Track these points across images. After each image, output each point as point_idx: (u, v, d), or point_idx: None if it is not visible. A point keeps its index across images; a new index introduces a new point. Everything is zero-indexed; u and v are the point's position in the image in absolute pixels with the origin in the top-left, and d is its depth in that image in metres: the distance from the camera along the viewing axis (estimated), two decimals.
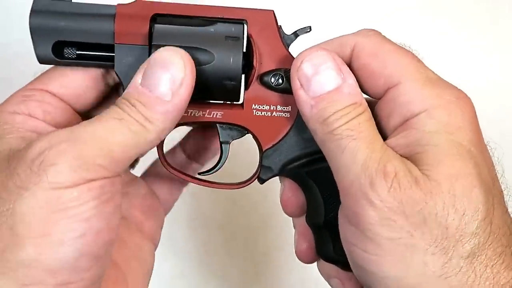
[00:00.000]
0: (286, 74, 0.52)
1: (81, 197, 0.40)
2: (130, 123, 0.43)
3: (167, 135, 0.47)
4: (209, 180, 0.56)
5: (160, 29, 0.50)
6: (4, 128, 0.45)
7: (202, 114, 0.53)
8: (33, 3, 0.50)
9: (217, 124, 0.54)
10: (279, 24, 0.53)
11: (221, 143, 0.55)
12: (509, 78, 0.84)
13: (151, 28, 0.51)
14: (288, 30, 0.54)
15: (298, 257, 0.54)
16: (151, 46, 0.50)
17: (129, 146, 0.43)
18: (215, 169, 0.55)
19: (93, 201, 0.40)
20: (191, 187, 0.61)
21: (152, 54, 0.46)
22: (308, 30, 0.54)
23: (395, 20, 0.86)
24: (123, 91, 0.50)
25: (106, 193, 0.41)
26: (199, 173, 0.56)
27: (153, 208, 0.61)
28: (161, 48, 0.46)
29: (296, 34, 0.54)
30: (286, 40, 0.53)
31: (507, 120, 0.78)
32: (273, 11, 0.53)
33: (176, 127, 0.53)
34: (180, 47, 0.49)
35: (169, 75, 0.45)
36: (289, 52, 0.53)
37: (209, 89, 0.51)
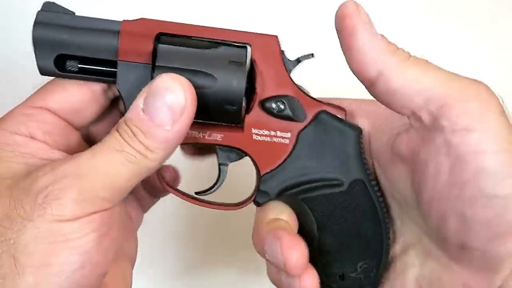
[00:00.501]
0: (288, 101, 0.52)
1: (82, 229, 0.41)
2: (131, 154, 0.44)
3: (167, 159, 0.47)
4: (205, 199, 0.56)
5: (164, 49, 0.50)
6: (7, 151, 0.45)
7: (202, 136, 0.53)
8: (37, 15, 0.50)
9: (217, 146, 0.54)
10: (282, 49, 0.53)
11: (219, 164, 0.55)
12: (510, 78, 0.84)
13: (155, 47, 0.50)
14: (290, 55, 0.54)
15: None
16: (154, 66, 0.50)
17: (131, 176, 0.44)
18: (212, 190, 0.55)
19: (93, 233, 0.42)
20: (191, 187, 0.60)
21: (154, 79, 0.46)
22: (311, 56, 0.54)
23: (396, 20, 0.85)
24: (124, 109, 0.51)
25: (105, 225, 0.42)
26: (196, 193, 0.56)
27: (129, 228, 0.61)
28: (163, 75, 0.46)
29: (298, 60, 0.54)
30: (288, 66, 0.53)
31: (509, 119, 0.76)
32: (277, 36, 0.53)
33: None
34: (184, 69, 0.49)
35: (170, 104, 0.45)
36: (291, 78, 0.53)
37: (210, 112, 0.51)
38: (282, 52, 0.53)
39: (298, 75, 0.55)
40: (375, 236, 0.54)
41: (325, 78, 0.69)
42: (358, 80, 0.49)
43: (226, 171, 0.55)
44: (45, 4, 0.51)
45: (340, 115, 0.54)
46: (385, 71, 0.46)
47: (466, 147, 0.44)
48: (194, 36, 0.52)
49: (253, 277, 0.87)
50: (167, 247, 0.86)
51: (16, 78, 0.74)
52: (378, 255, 0.54)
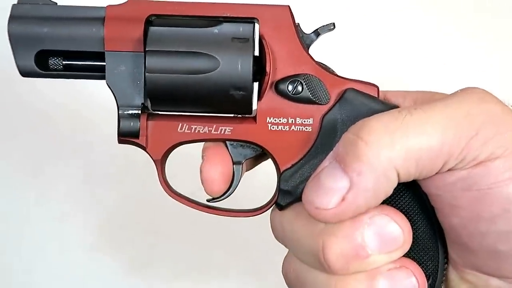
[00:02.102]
0: (306, 80, 0.44)
1: None
2: None
3: None
4: (218, 207, 0.48)
5: (155, 32, 0.44)
6: None
7: (208, 131, 0.46)
8: (12, 8, 0.45)
9: (227, 142, 0.46)
10: (296, 21, 0.46)
11: (232, 163, 0.47)
12: (510, 78, 0.84)
13: (146, 31, 0.44)
14: (307, 28, 0.46)
15: (207, 186, 0.47)
16: (145, 52, 0.43)
17: None
18: (226, 195, 0.48)
19: None
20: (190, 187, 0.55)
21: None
22: (332, 27, 0.46)
23: (396, 20, 0.84)
24: (117, 104, 0.45)
25: None
26: (208, 200, 0.49)
27: None
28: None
29: (317, 33, 0.46)
30: (305, 40, 0.46)
31: None
32: (288, 6, 0.45)
33: (177, 146, 0.46)
34: (178, 52, 0.43)
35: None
36: (309, 54, 0.46)
37: (214, 100, 0.44)
38: (296, 25, 0.46)
39: (318, 51, 0.47)
40: (430, 239, 0.45)
41: (350, 54, 0.64)
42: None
43: (241, 171, 0.47)
44: None
45: (371, 92, 0.45)
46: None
47: (489, 178, 0.39)
48: (192, 15, 0.45)
49: (253, 277, 0.84)
50: (167, 247, 0.84)
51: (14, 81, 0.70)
52: (434, 261, 0.44)
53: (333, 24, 0.46)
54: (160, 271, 0.83)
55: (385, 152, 0.39)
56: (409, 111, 0.40)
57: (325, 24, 0.46)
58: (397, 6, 0.85)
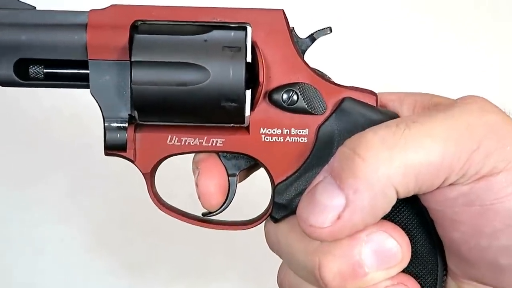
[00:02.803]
0: (301, 90, 0.42)
1: None
2: None
3: None
4: (211, 219, 0.47)
5: (141, 40, 0.41)
6: None
7: (199, 143, 0.44)
8: None
9: (219, 154, 0.45)
10: (291, 26, 0.43)
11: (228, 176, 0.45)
12: (510, 78, 0.82)
13: (131, 38, 0.41)
14: (302, 32, 0.44)
15: (204, 201, 0.46)
16: (131, 62, 0.41)
17: None
18: (222, 208, 0.46)
19: None
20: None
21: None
22: (328, 32, 0.44)
23: (393, 24, 0.83)
24: (103, 117, 0.43)
25: None
26: (204, 214, 0.47)
27: None
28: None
29: (313, 38, 0.44)
30: (300, 46, 0.44)
31: None
32: (282, 10, 0.43)
33: (166, 159, 0.44)
34: (166, 63, 0.41)
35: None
36: (304, 61, 0.43)
37: (205, 112, 0.42)
38: (291, 30, 0.43)
39: (313, 57, 0.45)
40: (429, 252, 0.43)
41: (347, 60, 0.62)
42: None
43: (236, 183, 0.45)
44: None
45: (369, 101, 0.43)
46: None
47: (491, 193, 0.38)
48: (180, 21, 0.43)
49: (253, 279, 0.84)
50: (167, 249, 0.83)
51: None
52: (433, 274, 0.43)
53: (330, 28, 0.44)
54: (159, 273, 0.83)
55: (383, 169, 0.37)
56: (407, 124, 0.38)
57: (321, 28, 0.44)
58: (395, 9, 0.84)
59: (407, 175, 0.37)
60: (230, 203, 0.46)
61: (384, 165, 0.37)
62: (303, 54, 0.44)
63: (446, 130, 0.38)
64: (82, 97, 0.76)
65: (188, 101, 0.41)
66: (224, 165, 0.45)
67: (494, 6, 0.86)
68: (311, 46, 0.44)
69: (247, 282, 0.84)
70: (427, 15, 0.84)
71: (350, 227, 0.38)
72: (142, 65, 0.41)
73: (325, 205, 0.38)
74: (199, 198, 0.45)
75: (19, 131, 0.81)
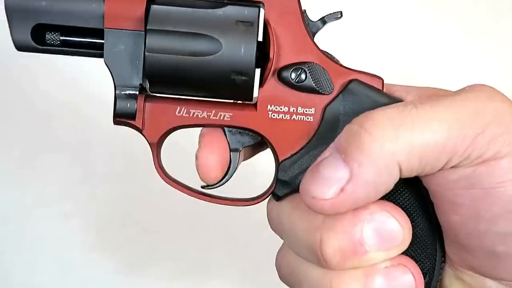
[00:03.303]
0: (310, 69, 0.43)
1: None
2: None
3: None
4: (214, 194, 0.47)
5: (157, 11, 0.42)
6: None
7: (207, 116, 0.44)
8: None
9: (225, 128, 0.45)
10: (303, 8, 0.44)
11: (230, 150, 0.46)
12: (510, 79, 0.82)
13: (147, 9, 0.43)
14: (313, 15, 0.45)
15: (202, 173, 0.46)
16: (146, 31, 0.42)
17: None
18: (221, 182, 0.46)
19: None
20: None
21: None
22: (339, 16, 0.45)
23: (395, 21, 0.84)
24: (114, 84, 0.44)
25: None
26: (202, 187, 0.47)
27: None
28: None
29: (323, 21, 0.45)
30: (311, 28, 0.45)
31: None
32: None
33: (175, 130, 0.45)
34: (180, 32, 0.42)
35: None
36: (314, 43, 0.44)
37: (215, 84, 0.43)
38: (302, 12, 0.44)
39: (324, 39, 0.46)
40: (429, 236, 0.44)
41: (357, 45, 0.63)
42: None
43: (238, 158, 0.46)
44: None
45: (376, 84, 0.44)
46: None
47: (493, 178, 0.38)
48: None
49: (253, 277, 0.84)
50: (167, 247, 0.83)
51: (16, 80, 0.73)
52: (431, 259, 0.44)
53: (340, 12, 0.45)
54: (160, 271, 0.83)
55: (388, 145, 0.38)
56: (415, 105, 0.39)
57: (332, 12, 0.45)
58: (398, 4, 0.84)
59: (412, 153, 0.38)
60: (230, 177, 0.46)
61: (390, 141, 0.38)
62: (314, 36, 0.45)
63: (453, 113, 0.38)
64: (82, 94, 0.78)
65: (199, 72, 0.42)
66: (228, 140, 0.46)
67: (494, 4, 0.86)
68: (321, 29, 0.45)
69: (247, 280, 0.83)
70: (429, 12, 0.85)
71: (352, 200, 0.39)
72: (156, 33, 0.42)
73: (329, 178, 0.39)
74: (197, 169, 0.45)
75: (19, 129, 0.81)
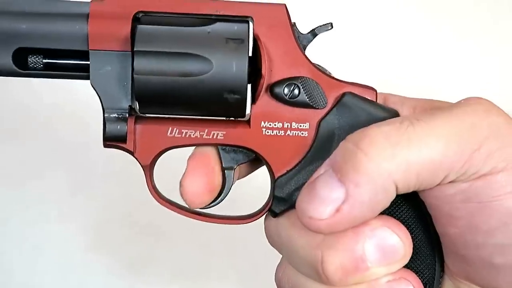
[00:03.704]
0: (303, 84, 0.43)
1: None
2: None
3: None
4: (210, 213, 0.47)
5: (144, 30, 0.41)
6: None
7: (199, 135, 0.43)
8: None
9: (219, 147, 0.44)
10: (292, 21, 0.44)
11: (223, 169, 0.45)
12: (510, 76, 0.83)
13: (133, 29, 0.41)
14: (303, 28, 0.44)
15: (188, 200, 0.45)
16: (133, 52, 0.41)
17: None
18: (216, 202, 0.46)
19: None
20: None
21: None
22: (330, 27, 0.44)
23: (393, 20, 0.84)
24: (102, 108, 0.43)
25: None
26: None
27: None
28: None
29: (314, 33, 0.44)
30: (301, 41, 0.44)
31: None
32: (284, 5, 0.43)
33: (167, 151, 0.44)
34: (170, 53, 0.41)
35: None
36: (306, 56, 0.44)
37: (207, 104, 0.42)
38: (292, 25, 0.44)
39: (314, 52, 0.45)
40: (427, 247, 0.44)
41: (348, 56, 0.62)
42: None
43: (233, 177, 0.45)
44: None
45: (369, 96, 0.44)
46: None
47: (490, 192, 0.38)
48: (183, 12, 0.43)
49: (253, 278, 0.83)
50: (166, 248, 0.83)
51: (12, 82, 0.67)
52: (431, 269, 0.44)
53: (331, 24, 0.44)
54: (159, 272, 0.82)
55: (385, 164, 0.37)
56: (411, 122, 0.39)
57: (323, 24, 0.44)
58: (394, 7, 0.84)
59: (409, 171, 0.38)
60: (225, 196, 0.45)
61: (387, 161, 0.37)
62: (304, 49, 0.44)
63: (449, 129, 0.38)
64: (82, 95, 0.76)
65: (190, 92, 0.41)
66: (221, 159, 0.45)
67: (494, 4, 0.86)
68: (312, 41, 0.45)
69: (247, 281, 0.83)
70: (427, 13, 0.85)
71: (348, 220, 0.39)
72: (144, 54, 0.40)
73: (325, 198, 0.38)
74: (182, 197, 0.45)
75: (19, 129, 0.80)
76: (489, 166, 0.38)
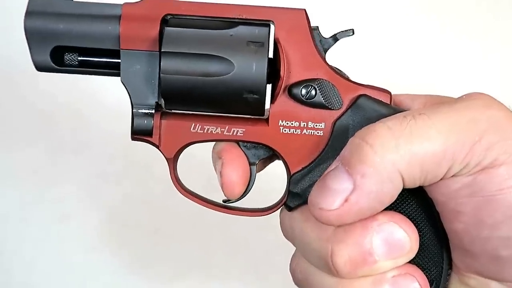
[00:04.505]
0: (319, 85, 0.45)
1: None
2: None
3: None
4: (231, 206, 0.49)
5: (171, 33, 0.44)
6: None
7: (221, 131, 0.46)
8: (28, 4, 0.45)
9: (240, 143, 0.47)
10: (315, 25, 0.46)
11: (250, 163, 0.48)
12: (510, 79, 0.83)
13: (161, 31, 0.44)
14: (326, 31, 0.46)
15: (228, 190, 0.47)
16: (161, 53, 0.44)
17: None
18: (243, 195, 0.48)
19: None
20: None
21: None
22: (351, 33, 0.46)
23: (395, 22, 0.84)
24: (131, 103, 0.46)
25: None
26: (224, 201, 0.49)
27: None
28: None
29: (335, 38, 0.46)
30: (323, 45, 0.46)
31: None
32: (304, 10, 0.45)
33: (190, 145, 0.47)
34: (193, 54, 0.43)
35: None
36: (324, 59, 0.46)
37: (228, 102, 0.44)
38: (312, 29, 0.46)
39: (335, 56, 0.47)
40: (435, 245, 0.45)
41: (367, 62, 0.63)
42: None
43: (255, 172, 0.48)
44: None
45: (383, 98, 0.45)
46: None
47: (493, 185, 0.39)
48: (208, 16, 0.45)
49: (255, 277, 0.84)
50: (168, 247, 0.84)
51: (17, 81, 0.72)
52: (438, 266, 0.45)
53: (352, 30, 0.46)
54: (161, 271, 0.83)
55: (389, 156, 0.39)
56: (414, 116, 0.40)
57: (344, 30, 0.46)
58: (399, 9, 0.85)
59: (412, 163, 0.39)
60: (250, 189, 0.48)
61: (391, 152, 0.39)
62: (325, 53, 0.46)
63: (450, 122, 0.40)
64: (84, 94, 0.78)
65: (212, 91, 0.43)
66: (246, 154, 0.47)
67: (495, 4, 0.87)
68: (332, 46, 0.46)
69: (248, 279, 0.84)
70: (431, 14, 0.85)
71: (356, 210, 0.40)
72: (171, 55, 0.43)
73: (334, 189, 0.40)
74: (222, 187, 0.47)
75: (19, 130, 0.81)
76: (490, 158, 0.39)
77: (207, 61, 0.43)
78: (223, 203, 0.49)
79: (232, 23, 0.44)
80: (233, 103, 0.44)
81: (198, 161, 0.49)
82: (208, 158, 0.49)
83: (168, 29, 0.44)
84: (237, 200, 0.48)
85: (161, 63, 0.43)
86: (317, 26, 0.46)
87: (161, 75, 0.43)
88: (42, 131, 0.81)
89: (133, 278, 0.82)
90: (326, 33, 0.46)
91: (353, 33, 0.46)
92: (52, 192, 0.81)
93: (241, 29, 0.44)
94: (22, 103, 0.80)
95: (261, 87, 0.43)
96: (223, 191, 0.47)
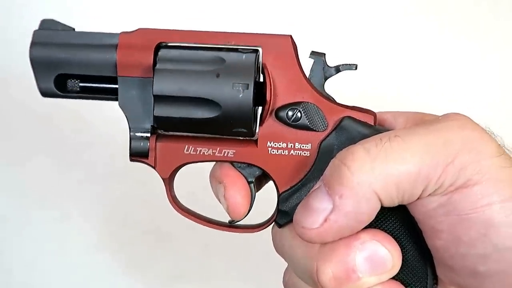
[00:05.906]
0: (304, 108, 0.47)
1: None
2: None
3: None
4: (224, 222, 0.51)
5: (160, 75, 0.46)
6: None
7: (212, 153, 0.48)
8: (33, 35, 0.48)
9: (234, 164, 0.49)
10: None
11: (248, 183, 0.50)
12: (510, 77, 0.83)
13: (155, 59, 0.47)
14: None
15: (233, 213, 0.49)
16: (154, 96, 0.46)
17: None
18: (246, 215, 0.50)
19: None
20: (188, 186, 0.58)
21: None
22: (354, 68, 0.48)
23: (396, 23, 0.84)
24: (129, 125, 0.48)
25: None
26: (230, 222, 0.51)
27: None
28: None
29: (338, 69, 0.48)
30: (325, 72, 0.48)
31: (508, 121, 0.75)
32: (290, 36, 0.47)
33: (184, 166, 0.49)
34: (183, 97, 0.46)
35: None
36: (309, 82, 0.47)
37: (218, 132, 0.48)
38: (297, 54, 0.48)
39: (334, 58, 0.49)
40: (418, 261, 0.46)
41: (366, 62, 0.64)
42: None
43: (254, 189, 0.50)
44: (42, 22, 0.49)
45: (367, 119, 0.47)
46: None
47: (467, 204, 0.41)
48: (198, 43, 0.47)
49: (254, 279, 0.85)
50: (167, 248, 0.84)
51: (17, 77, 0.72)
52: (422, 282, 0.46)
53: (356, 65, 0.48)
54: (160, 272, 0.84)
55: (365, 177, 0.41)
56: (389, 138, 0.42)
57: (348, 63, 0.48)
58: (396, 10, 0.85)
59: (388, 183, 0.41)
60: (251, 208, 0.50)
61: (367, 173, 0.41)
62: (325, 81, 0.48)
63: (424, 144, 0.41)
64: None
65: (202, 127, 0.46)
66: (242, 174, 0.49)
67: (495, 4, 0.86)
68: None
69: (247, 281, 0.84)
70: (430, 15, 0.85)
71: (336, 229, 0.42)
72: (161, 98, 0.46)
73: (315, 208, 0.42)
74: (227, 210, 0.49)
75: (20, 130, 0.82)
76: (464, 179, 0.40)
77: (194, 104, 0.45)
78: (215, 220, 0.51)
79: (220, 56, 0.46)
80: (223, 132, 0.47)
81: (179, 174, 0.51)
82: (189, 171, 0.51)
83: (157, 69, 0.46)
84: (242, 219, 0.50)
85: (155, 107, 0.46)
86: (324, 54, 0.48)
87: (155, 114, 0.46)
88: (42, 131, 0.81)
89: (133, 278, 0.82)
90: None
91: (356, 68, 0.48)
92: (52, 192, 0.82)
93: (229, 59, 0.46)
94: (21, 103, 0.80)
95: (248, 124, 0.46)
96: (228, 213, 0.49)
